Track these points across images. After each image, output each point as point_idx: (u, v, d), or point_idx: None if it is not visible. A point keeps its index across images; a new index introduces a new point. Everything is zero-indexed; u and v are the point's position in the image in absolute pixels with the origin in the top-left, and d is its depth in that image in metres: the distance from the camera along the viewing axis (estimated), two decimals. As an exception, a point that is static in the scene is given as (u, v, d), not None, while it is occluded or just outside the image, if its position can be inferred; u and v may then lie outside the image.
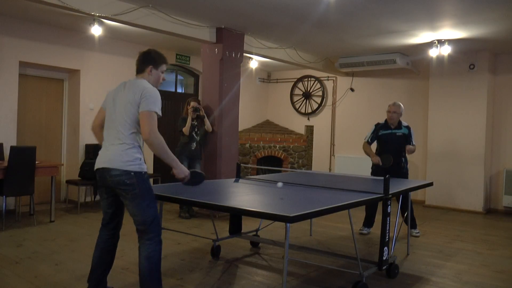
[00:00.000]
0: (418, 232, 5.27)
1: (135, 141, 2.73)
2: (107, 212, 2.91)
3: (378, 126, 5.27)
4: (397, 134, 5.14)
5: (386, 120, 5.24)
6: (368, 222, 5.34)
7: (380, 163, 5.04)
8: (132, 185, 2.67)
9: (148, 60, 2.89)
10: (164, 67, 2.95)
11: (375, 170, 5.21)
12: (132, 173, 2.67)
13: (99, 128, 2.97)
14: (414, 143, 5.14)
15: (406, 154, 5.16)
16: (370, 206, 5.17)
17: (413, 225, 5.27)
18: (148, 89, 2.72)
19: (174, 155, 2.80)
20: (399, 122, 5.19)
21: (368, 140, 5.25)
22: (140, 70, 2.91)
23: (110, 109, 2.85)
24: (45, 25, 6.14)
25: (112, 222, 2.93)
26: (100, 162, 2.77)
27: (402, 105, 5.23)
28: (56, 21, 5.92)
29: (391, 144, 5.12)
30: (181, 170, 2.84)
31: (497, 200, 7.24)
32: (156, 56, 2.91)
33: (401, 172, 5.10)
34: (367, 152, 5.23)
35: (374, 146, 5.36)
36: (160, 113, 2.71)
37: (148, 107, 2.65)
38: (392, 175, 4.98)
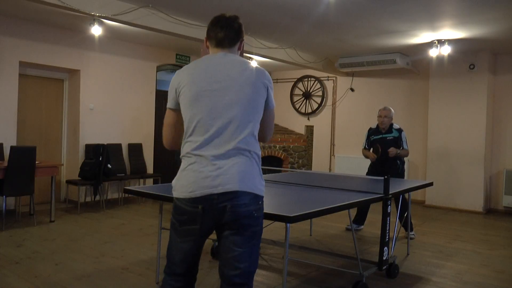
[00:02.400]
0: (413, 235, 5.21)
1: (259, 153, 1.89)
2: (191, 258, 1.94)
3: (370, 132, 5.36)
4: (388, 138, 5.17)
5: (377, 125, 5.29)
6: (359, 219, 5.40)
7: (375, 156, 5.16)
8: (258, 218, 1.85)
9: (242, 32, 2.03)
10: None
11: (371, 170, 5.28)
12: (260, 202, 1.87)
13: (179, 141, 1.94)
14: (406, 147, 5.14)
15: (390, 156, 5.09)
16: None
17: (410, 227, 5.25)
18: (268, 76, 1.92)
19: None
20: (390, 126, 5.22)
21: (365, 146, 5.38)
22: (229, 43, 1.95)
23: (212, 102, 1.82)
24: (45, 25, 6.14)
25: (189, 273, 1.98)
26: (210, 185, 1.77)
27: (392, 109, 5.28)
28: (56, 21, 5.92)
29: (382, 149, 5.14)
30: None
31: (497, 200, 7.24)
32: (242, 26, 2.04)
33: (397, 173, 5.12)
34: (366, 155, 5.34)
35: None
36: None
37: (274, 104, 1.95)
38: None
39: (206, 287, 3.36)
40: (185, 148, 1.86)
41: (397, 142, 5.12)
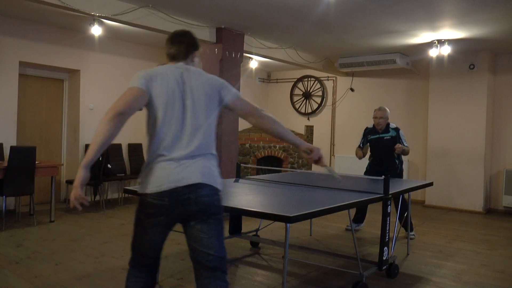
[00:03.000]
0: (413, 235, 5.20)
1: (214, 149, 2.15)
2: (156, 249, 2.11)
3: (366, 131, 5.34)
4: (385, 138, 5.16)
5: (374, 125, 5.28)
6: (359, 217, 5.42)
7: (362, 156, 5.25)
8: (219, 207, 2.06)
9: (196, 44, 2.26)
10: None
11: (369, 170, 5.28)
12: (219, 193, 2.08)
13: (128, 115, 1.95)
14: (406, 144, 5.14)
15: (396, 153, 5.10)
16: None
17: (410, 227, 5.24)
18: (215, 76, 2.25)
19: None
20: (387, 125, 5.21)
21: (360, 145, 5.36)
22: (182, 55, 2.21)
23: (173, 103, 2.02)
24: (45, 25, 6.14)
25: (152, 264, 2.14)
26: (176, 179, 1.96)
27: (387, 109, 5.26)
28: (56, 21, 5.92)
29: (380, 148, 5.17)
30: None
31: (497, 200, 7.24)
32: (197, 39, 2.30)
33: (396, 173, 5.09)
34: (359, 156, 5.35)
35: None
36: None
37: (236, 91, 2.24)
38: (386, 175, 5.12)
39: (206, 287, 3.36)
40: (153, 149, 2.03)
41: (395, 141, 5.09)
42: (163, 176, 1.98)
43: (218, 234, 2.04)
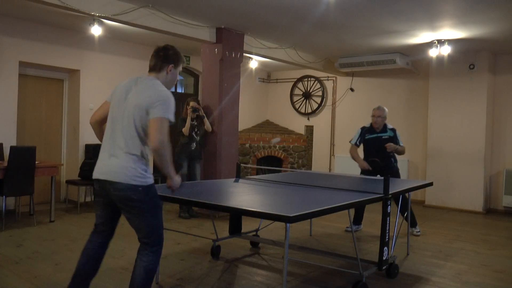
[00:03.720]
0: (418, 231, 5.27)
1: (141, 152, 2.48)
2: (103, 222, 2.69)
3: (363, 130, 5.33)
4: (383, 137, 5.18)
5: (371, 124, 5.29)
6: (356, 219, 5.41)
7: (369, 168, 5.15)
8: (139, 200, 2.45)
9: (169, 58, 2.59)
10: (181, 67, 2.70)
11: (365, 170, 5.26)
12: (140, 188, 2.44)
13: (99, 123, 2.69)
14: (401, 144, 5.19)
15: (388, 151, 5.12)
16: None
17: (413, 223, 5.28)
18: (164, 92, 2.47)
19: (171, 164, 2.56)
20: (384, 125, 5.24)
21: (356, 143, 5.32)
22: (158, 68, 2.59)
23: (116, 108, 2.54)
24: (45, 25, 6.14)
25: (106, 230, 2.71)
26: (102, 172, 2.51)
27: (386, 108, 5.30)
28: (56, 21, 5.92)
29: (377, 148, 5.16)
30: (177, 181, 2.65)
31: (497, 200, 7.24)
32: (177, 54, 2.63)
33: (392, 171, 5.10)
34: (354, 157, 5.32)
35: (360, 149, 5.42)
36: (173, 120, 2.47)
37: (161, 114, 2.39)
38: (383, 175, 5.13)
39: (206, 287, 3.36)
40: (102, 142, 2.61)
41: (393, 141, 5.13)
42: (98, 166, 2.55)
43: (147, 220, 2.51)
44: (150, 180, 2.52)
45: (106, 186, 2.49)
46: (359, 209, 5.38)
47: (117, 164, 2.45)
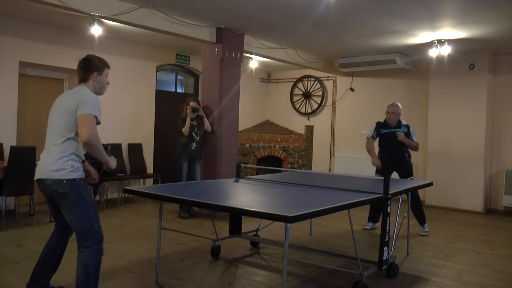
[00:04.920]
0: (425, 232, 5.31)
1: (67, 149, 2.72)
2: (55, 218, 2.95)
3: (379, 125, 5.39)
4: (397, 132, 5.26)
5: (385, 120, 5.35)
6: (373, 217, 5.50)
7: (380, 168, 5.24)
8: (65, 193, 2.66)
9: (92, 67, 2.83)
10: (107, 71, 2.93)
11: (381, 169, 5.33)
12: (64, 181, 2.66)
13: None
14: (415, 139, 5.31)
15: (409, 149, 5.31)
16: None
17: (422, 221, 5.36)
18: (86, 94, 2.70)
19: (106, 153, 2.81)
20: (399, 121, 5.33)
21: (372, 136, 5.37)
22: (84, 78, 2.83)
23: (49, 119, 2.83)
24: (45, 25, 6.14)
25: (60, 226, 2.94)
26: (36, 172, 2.77)
27: (400, 105, 5.36)
28: (56, 21, 5.92)
29: (392, 142, 5.25)
30: (112, 161, 2.92)
31: (497, 200, 7.24)
32: (98, 62, 2.87)
33: (406, 167, 5.27)
34: (370, 151, 5.36)
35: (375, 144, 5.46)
36: (100, 118, 2.69)
37: (86, 111, 2.62)
38: (398, 170, 5.29)
39: (206, 287, 3.36)
40: None
41: (407, 137, 5.25)
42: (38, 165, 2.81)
43: (74, 213, 2.68)
44: (77, 174, 2.73)
45: (40, 185, 2.76)
46: (373, 207, 5.45)
47: (44, 163, 2.73)
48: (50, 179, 2.67)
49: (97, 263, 2.72)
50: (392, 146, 5.26)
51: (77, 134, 2.69)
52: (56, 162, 2.68)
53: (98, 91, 2.86)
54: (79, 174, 2.75)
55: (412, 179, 5.18)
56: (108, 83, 2.97)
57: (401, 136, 5.16)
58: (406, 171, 5.25)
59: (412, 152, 5.39)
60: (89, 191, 2.81)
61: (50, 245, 2.96)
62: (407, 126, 5.31)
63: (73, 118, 2.66)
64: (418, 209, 5.25)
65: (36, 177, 2.77)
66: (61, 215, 2.83)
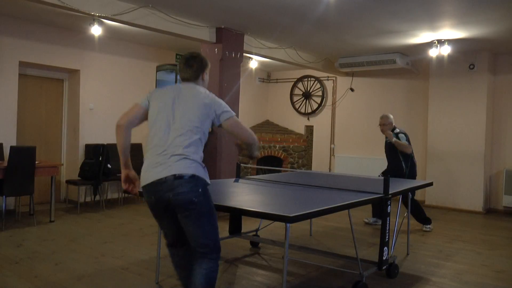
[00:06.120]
0: (429, 228, 5.50)
1: (201, 152, 2.47)
2: (171, 231, 2.58)
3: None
4: (389, 141, 5.50)
5: None
6: (376, 212, 5.66)
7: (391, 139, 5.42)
8: (199, 203, 2.36)
9: (203, 65, 2.64)
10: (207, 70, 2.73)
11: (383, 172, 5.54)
12: (200, 190, 2.37)
13: (129, 126, 2.63)
14: (402, 141, 5.39)
15: (399, 154, 5.42)
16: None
17: (425, 221, 5.51)
18: (215, 97, 2.58)
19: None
20: (393, 130, 5.49)
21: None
22: (195, 76, 2.61)
23: (163, 113, 2.49)
24: (45, 25, 6.14)
25: (180, 240, 2.59)
26: (158, 174, 2.36)
27: (389, 115, 5.57)
28: (56, 21, 5.92)
29: (389, 152, 5.56)
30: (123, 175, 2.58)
31: (497, 200, 7.24)
32: (206, 60, 2.68)
33: (400, 174, 5.32)
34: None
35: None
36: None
37: (231, 113, 2.56)
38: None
39: (206, 287, 3.35)
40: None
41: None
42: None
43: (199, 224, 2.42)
44: (208, 180, 2.48)
45: (161, 189, 2.38)
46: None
47: (179, 166, 2.37)
48: (186, 185, 2.40)
49: (217, 272, 2.51)
50: (388, 155, 5.59)
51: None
52: (194, 167, 2.42)
53: None
54: (209, 180, 2.53)
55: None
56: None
57: (388, 134, 5.40)
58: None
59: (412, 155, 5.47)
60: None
61: (183, 263, 2.66)
62: (403, 133, 5.42)
63: (206, 120, 2.49)
64: (416, 210, 5.34)
65: (155, 178, 2.39)
66: (179, 226, 2.52)
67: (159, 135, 2.45)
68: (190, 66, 2.60)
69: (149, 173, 2.40)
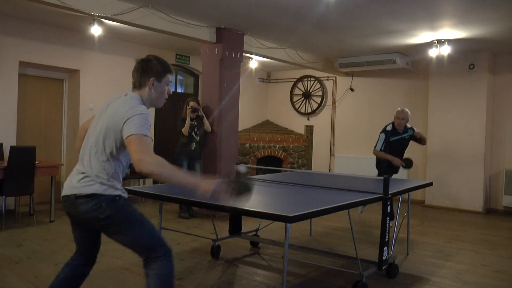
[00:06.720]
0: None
1: (109, 168, 2.19)
2: (79, 242, 2.47)
3: (388, 134, 5.41)
4: (406, 137, 5.46)
5: (393, 125, 5.44)
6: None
7: (403, 165, 5.34)
8: (109, 218, 2.17)
9: (149, 71, 2.26)
10: (169, 77, 2.32)
11: (385, 170, 5.32)
12: (104, 204, 2.16)
13: (83, 136, 2.37)
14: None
15: (417, 138, 5.47)
16: None
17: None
18: (136, 109, 2.11)
19: (183, 174, 2.21)
20: (405, 126, 5.47)
21: (381, 148, 5.41)
22: (138, 84, 2.27)
23: (92, 124, 2.32)
24: (45, 25, 6.14)
25: (87, 249, 2.50)
26: (66, 190, 2.26)
27: (409, 111, 5.50)
28: (56, 21, 5.92)
29: (401, 148, 5.46)
30: (207, 185, 2.12)
31: (497, 200, 7.24)
32: (158, 65, 2.29)
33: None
34: (383, 156, 5.38)
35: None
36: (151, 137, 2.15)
37: (134, 130, 2.04)
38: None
39: (206, 287, 3.36)
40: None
41: (412, 138, 5.48)
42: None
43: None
44: (116, 192, 2.23)
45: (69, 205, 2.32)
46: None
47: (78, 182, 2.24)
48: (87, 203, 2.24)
49: (172, 269, 2.24)
50: (401, 152, 5.46)
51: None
52: (93, 186, 2.26)
53: (155, 102, 2.33)
54: (118, 191, 2.30)
55: None
56: (169, 93, 2.38)
57: (419, 134, 5.42)
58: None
59: (411, 153, 5.51)
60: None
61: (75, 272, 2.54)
62: (412, 129, 5.44)
63: (116, 136, 2.14)
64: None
65: (66, 193, 2.30)
66: (89, 238, 2.46)
67: (83, 149, 2.29)
68: (136, 70, 2.29)
69: (65, 184, 2.32)
